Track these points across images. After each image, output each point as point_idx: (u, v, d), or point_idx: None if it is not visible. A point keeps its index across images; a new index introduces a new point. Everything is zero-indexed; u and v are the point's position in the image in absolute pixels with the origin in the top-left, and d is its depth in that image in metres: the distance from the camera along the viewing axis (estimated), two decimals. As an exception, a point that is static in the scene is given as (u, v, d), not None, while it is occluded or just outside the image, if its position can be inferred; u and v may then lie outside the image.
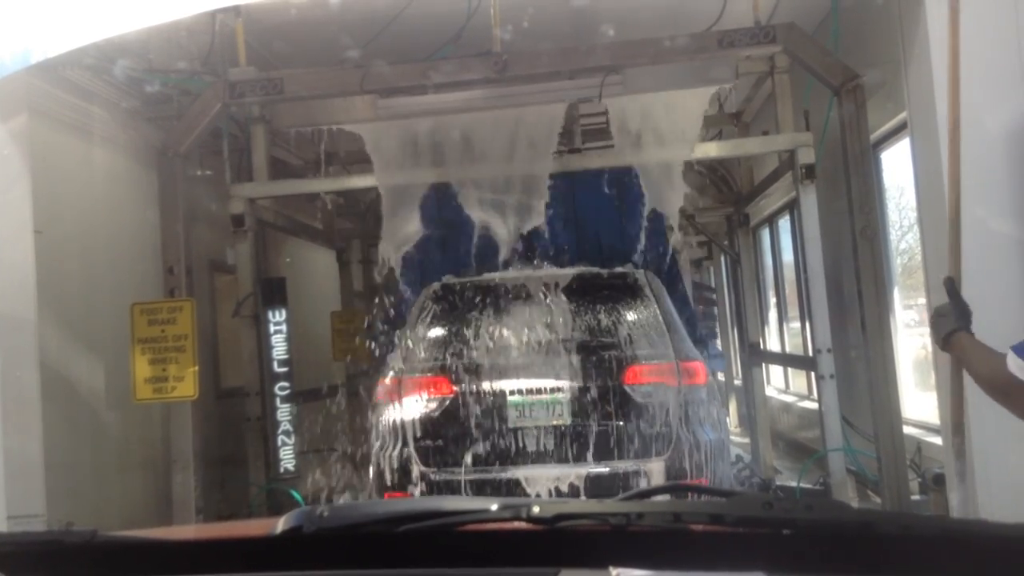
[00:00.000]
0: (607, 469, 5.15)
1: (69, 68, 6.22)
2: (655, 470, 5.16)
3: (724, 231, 10.17)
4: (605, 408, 5.23)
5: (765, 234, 11.31)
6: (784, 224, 10.30)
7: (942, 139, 4.46)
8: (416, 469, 5.30)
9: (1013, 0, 4.46)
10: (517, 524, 1.23)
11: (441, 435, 5.32)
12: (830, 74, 5.82)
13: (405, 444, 5.32)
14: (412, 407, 5.35)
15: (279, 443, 7.17)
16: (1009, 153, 4.44)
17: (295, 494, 6.83)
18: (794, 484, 7.50)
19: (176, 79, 6.95)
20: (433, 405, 5.35)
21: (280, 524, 1.36)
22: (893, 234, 7.43)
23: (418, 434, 5.32)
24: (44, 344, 5.66)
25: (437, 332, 5.59)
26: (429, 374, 5.40)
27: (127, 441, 6.83)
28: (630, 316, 5.52)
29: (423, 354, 5.49)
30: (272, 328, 7.11)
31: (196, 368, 6.18)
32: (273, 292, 7.24)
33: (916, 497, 5.96)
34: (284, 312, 7.20)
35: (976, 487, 4.56)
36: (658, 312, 5.54)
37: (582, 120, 7.75)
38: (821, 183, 6.45)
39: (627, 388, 5.26)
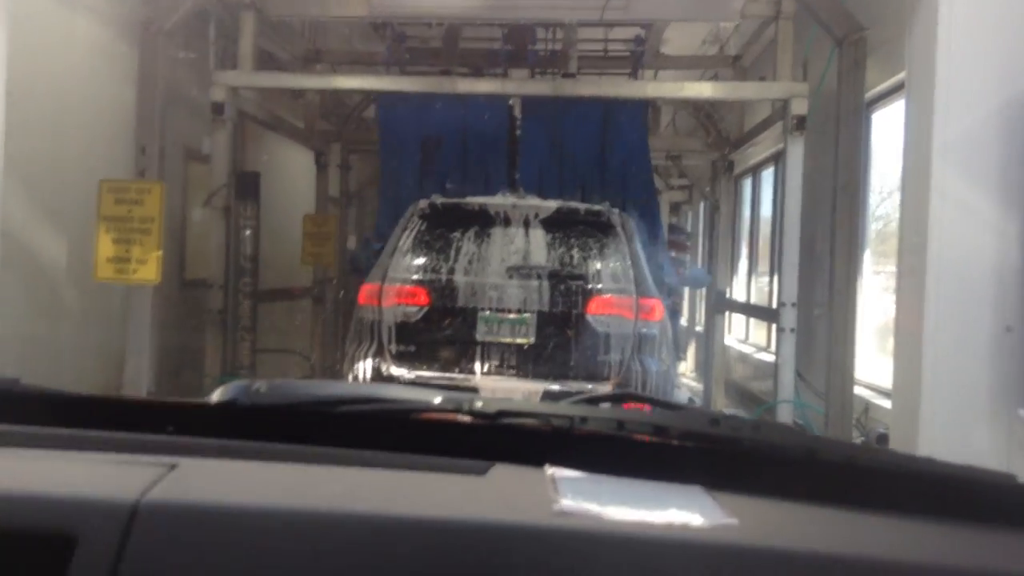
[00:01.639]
0: (561, 387, 5.47)
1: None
2: (604, 392, 5.38)
3: (707, 176, 10.11)
4: (566, 332, 5.60)
5: (747, 184, 11.28)
6: (767, 176, 10.27)
7: (938, 103, 4.43)
8: (386, 368, 5.66)
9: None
10: (459, 417, 1.20)
11: (413, 340, 5.67)
12: (835, 24, 5.72)
13: (380, 345, 5.69)
14: (389, 312, 5.69)
15: (238, 338, 7.13)
16: (1000, 122, 4.40)
17: (250, 387, 6.82)
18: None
19: (165, -47, 6.67)
20: (409, 312, 5.68)
21: (216, 395, 1.32)
22: (873, 199, 7.43)
23: (392, 337, 5.67)
24: (7, 212, 5.53)
25: (420, 246, 5.88)
26: (408, 284, 5.72)
27: (85, 320, 6.75)
28: (600, 251, 5.84)
29: (404, 265, 5.79)
30: (242, 222, 7.00)
31: (160, 253, 6.09)
32: (247, 186, 7.10)
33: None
34: (256, 207, 7.08)
35: (918, 445, 4.64)
36: (626, 250, 5.85)
37: (579, 45, 7.58)
38: (810, 137, 6.40)
39: (588, 317, 5.63)
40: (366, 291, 5.86)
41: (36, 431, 1.16)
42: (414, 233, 5.92)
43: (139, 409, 1.29)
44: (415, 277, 5.74)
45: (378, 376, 5.65)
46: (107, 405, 1.29)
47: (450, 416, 1.20)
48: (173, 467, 1.04)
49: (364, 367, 5.68)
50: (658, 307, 5.82)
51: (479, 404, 1.20)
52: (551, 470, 1.10)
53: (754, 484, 1.09)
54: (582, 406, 1.26)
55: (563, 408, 1.21)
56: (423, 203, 6.11)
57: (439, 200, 6.16)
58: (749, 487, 1.08)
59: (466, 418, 1.20)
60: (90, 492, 0.97)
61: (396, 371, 5.62)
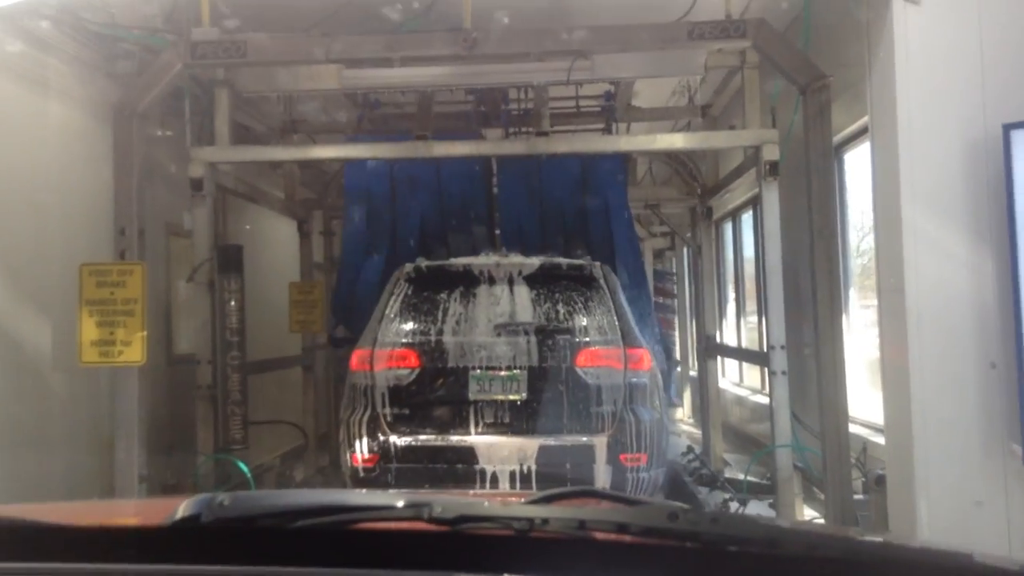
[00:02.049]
0: (556, 441, 5.66)
1: (27, 17, 6.03)
2: (599, 444, 5.69)
3: (687, 223, 10.20)
4: (557, 386, 5.75)
5: (728, 228, 11.37)
6: (747, 219, 10.36)
7: (901, 143, 4.50)
8: (382, 433, 5.77)
9: (976, 11, 4.46)
10: (418, 524, 1.20)
11: (407, 403, 5.79)
12: (798, 72, 5.82)
13: (374, 409, 5.80)
14: (382, 376, 5.83)
15: (228, 413, 7.08)
16: (966, 162, 4.47)
17: (242, 465, 6.75)
18: (742, 477, 7.58)
19: (138, 35, 6.77)
20: (401, 375, 5.82)
21: (180, 510, 1.31)
22: (853, 235, 7.49)
23: (386, 401, 5.80)
24: (-14, 300, 5.52)
25: (407, 309, 6.00)
26: (398, 347, 5.86)
27: (72, 405, 6.69)
28: (585, 304, 5.96)
29: (394, 328, 5.93)
30: (226, 296, 7.00)
31: (144, 333, 6.06)
32: (230, 259, 7.12)
33: (859, 496, 6.05)
34: (240, 280, 7.09)
35: (916, 492, 4.63)
36: (610, 302, 5.99)
37: (551, 103, 7.69)
38: (784, 181, 6.47)
39: (578, 370, 5.78)
40: (357, 356, 5.95)
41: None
42: (401, 296, 6.02)
43: (98, 536, 1.28)
44: (405, 340, 5.85)
45: (374, 440, 5.76)
46: (65, 533, 1.27)
47: (410, 525, 1.20)
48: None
49: (360, 433, 5.78)
50: (646, 356, 5.95)
51: (439, 510, 1.20)
52: (511, 580, 1.09)
53: (716, 580, 1.08)
54: (543, 506, 1.25)
55: (524, 510, 1.20)
56: (408, 267, 6.20)
57: (424, 263, 6.24)
58: None
59: (427, 526, 1.19)
60: None
61: (392, 436, 5.73)
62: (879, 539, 1.15)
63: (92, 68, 6.94)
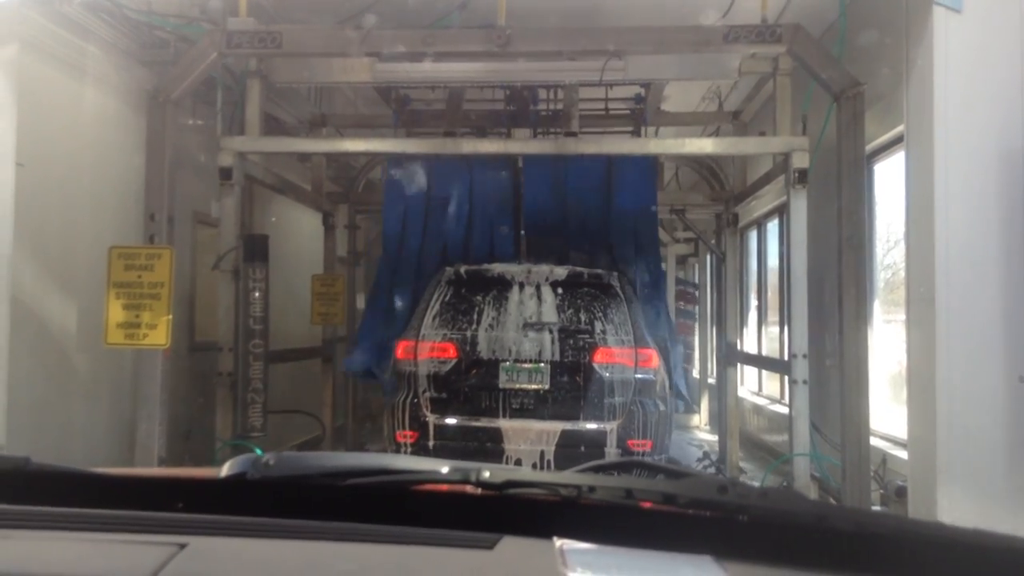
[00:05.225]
0: (574, 427, 6.41)
1: (67, 3, 6.10)
2: (611, 430, 6.46)
3: (712, 229, 10.16)
4: (576, 379, 6.51)
5: (753, 236, 11.32)
6: (772, 227, 10.31)
7: (937, 151, 4.47)
8: (422, 414, 6.54)
9: (1018, 21, 4.43)
10: (467, 488, 1.20)
11: (445, 388, 6.55)
12: (832, 80, 5.79)
13: (416, 393, 6.58)
14: (424, 365, 6.62)
15: (248, 400, 7.12)
16: (1001, 172, 4.44)
17: (259, 452, 6.77)
18: (757, 484, 7.55)
19: (174, 24, 6.83)
20: (441, 364, 6.59)
21: (225, 469, 1.33)
22: (879, 248, 7.44)
23: (427, 386, 6.57)
24: (18, 279, 5.58)
25: (448, 308, 6.80)
26: (439, 340, 6.63)
27: (95, 385, 6.75)
28: (602, 309, 6.74)
29: (436, 324, 6.71)
30: (251, 284, 7.04)
31: (170, 317, 6.10)
32: (255, 248, 7.15)
33: (877, 508, 6.00)
34: (265, 270, 7.13)
35: (938, 504, 4.59)
36: (625, 308, 6.79)
37: (580, 105, 7.69)
38: (813, 189, 6.44)
39: (594, 365, 6.53)
40: (403, 347, 6.78)
41: (47, 511, 1.16)
42: (443, 296, 6.85)
43: (148, 485, 1.30)
44: (445, 334, 6.64)
45: (415, 419, 6.54)
46: (116, 482, 1.29)
47: (458, 487, 1.21)
48: (183, 546, 1.05)
49: (404, 413, 6.56)
50: (654, 356, 6.73)
51: (486, 475, 1.20)
52: (560, 542, 1.09)
53: (764, 553, 1.08)
54: (590, 475, 1.25)
55: (571, 477, 1.21)
56: (449, 270, 7.03)
57: (463, 268, 7.05)
58: (759, 556, 1.08)
59: (474, 489, 1.20)
60: (102, 573, 0.97)
61: (430, 416, 6.54)
62: (931, 521, 1.14)
63: (128, 55, 7.02)
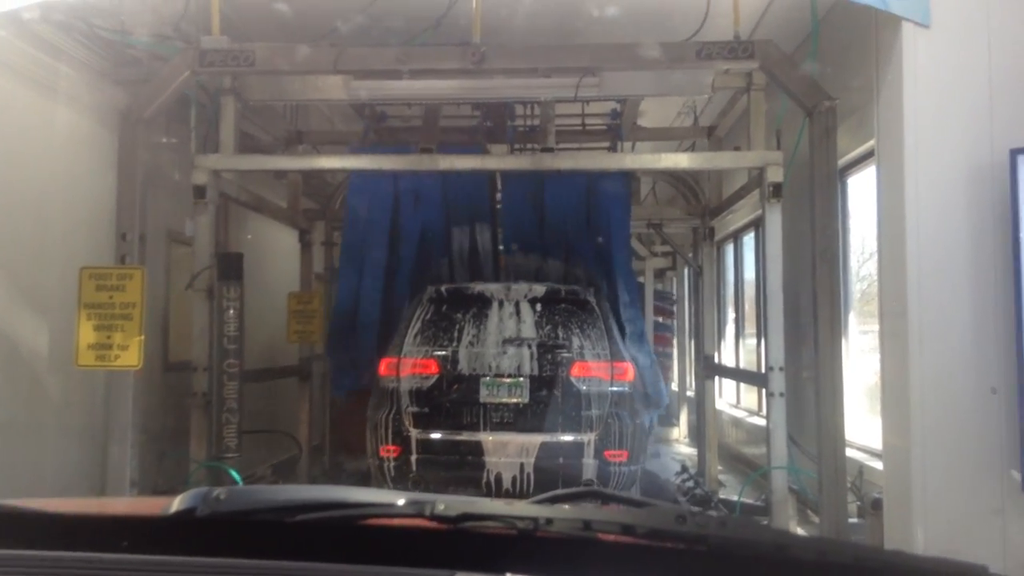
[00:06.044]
0: (552, 439, 6.55)
1: (39, 23, 6.04)
2: (588, 441, 6.60)
3: (689, 243, 10.20)
4: (554, 392, 6.67)
5: (729, 249, 11.37)
6: (748, 241, 10.35)
7: (907, 166, 4.50)
8: (405, 428, 6.67)
9: (985, 36, 4.48)
10: (419, 521, 1.18)
11: (427, 403, 6.69)
12: (804, 94, 5.83)
13: (399, 408, 6.71)
14: (406, 381, 6.76)
15: (223, 421, 7.03)
16: (971, 187, 4.47)
17: (234, 473, 6.70)
18: (736, 498, 7.55)
19: (147, 42, 6.78)
20: (423, 380, 6.73)
21: (175, 504, 1.29)
22: (854, 260, 7.48)
23: (409, 401, 6.70)
24: (-15, 300, 5.49)
25: (429, 325, 6.92)
26: (421, 356, 6.78)
27: (67, 407, 6.65)
28: (579, 324, 6.88)
29: (417, 341, 6.85)
30: (226, 303, 6.97)
31: (142, 338, 6.03)
32: (230, 267, 7.08)
33: (854, 520, 6.00)
34: (240, 288, 7.06)
35: (913, 516, 4.59)
36: (601, 323, 6.93)
37: (557, 120, 7.70)
38: (788, 203, 6.47)
39: (572, 379, 6.69)
40: (386, 364, 6.88)
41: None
42: (424, 314, 6.97)
43: (93, 523, 1.26)
44: (426, 350, 6.77)
45: (398, 434, 6.66)
46: (59, 520, 1.25)
47: (413, 522, 1.18)
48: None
49: (387, 428, 6.68)
50: (630, 369, 6.90)
51: (441, 507, 1.18)
52: (513, 578, 1.07)
53: (724, 585, 1.06)
54: (547, 506, 1.23)
55: (528, 509, 1.18)
56: (431, 289, 7.14)
57: (444, 287, 7.19)
58: None
59: (429, 523, 1.17)
60: None
61: (413, 431, 6.65)
62: (891, 550, 1.13)
63: (101, 74, 6.95)
